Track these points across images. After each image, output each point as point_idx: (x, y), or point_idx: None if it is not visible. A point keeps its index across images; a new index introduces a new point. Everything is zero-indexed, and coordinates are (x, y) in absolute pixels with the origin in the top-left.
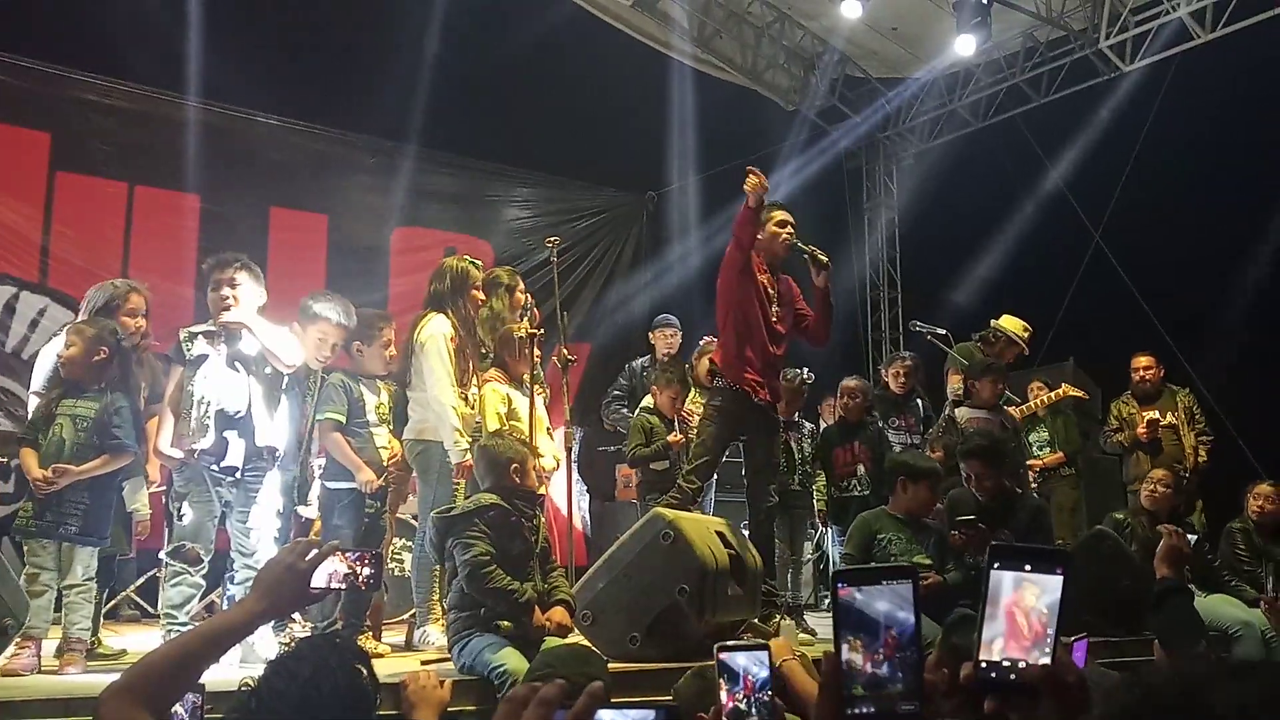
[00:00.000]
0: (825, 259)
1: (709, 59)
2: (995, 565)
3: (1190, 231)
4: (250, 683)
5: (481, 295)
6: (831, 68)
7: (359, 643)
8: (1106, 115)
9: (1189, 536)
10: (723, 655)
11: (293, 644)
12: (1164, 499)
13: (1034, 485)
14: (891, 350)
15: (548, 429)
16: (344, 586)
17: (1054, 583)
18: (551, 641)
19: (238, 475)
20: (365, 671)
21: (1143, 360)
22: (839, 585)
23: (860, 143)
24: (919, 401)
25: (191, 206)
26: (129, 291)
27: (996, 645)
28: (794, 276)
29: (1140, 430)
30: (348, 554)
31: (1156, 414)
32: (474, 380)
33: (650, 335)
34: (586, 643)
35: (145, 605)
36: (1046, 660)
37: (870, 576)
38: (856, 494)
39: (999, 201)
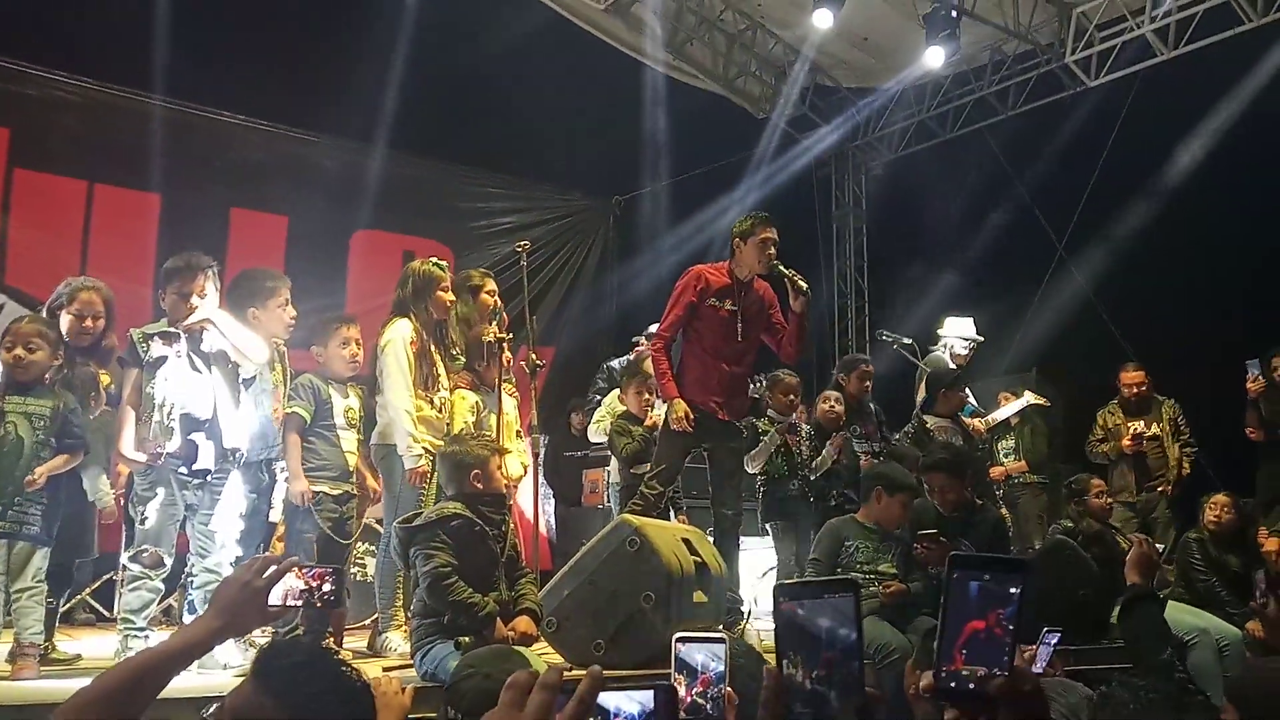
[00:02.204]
0: (804, 285)
1: (681, 65)
2: (955, 575)
3: (1152, 244)
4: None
5: (450, 297)
6: (802, 77)
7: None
8: (1072, 128)
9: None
10: (680, 650)
11: (270, 651)
12: (1111, 509)
13: (1000, 493)
14: None
15: (518, 432)
16: (300, 604)
17: (1013, 592)
18: None
19: (208, 478)
20: (352, 672)
21: (1133, 375)
22: (780, 600)
23: (830, 152)
24: (873, 407)
25: (151, 206)
26: (80, 289)
27: (957, 655)
28: (774, 282)
29: (1125, 442)
30: (305, 570)
31: (1141, 425)
32: (441, 384)
33: (640, 341)
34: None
35: (100, 609)
36: (1005, 669)
37: (813, 591)
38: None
39: (966, 212)
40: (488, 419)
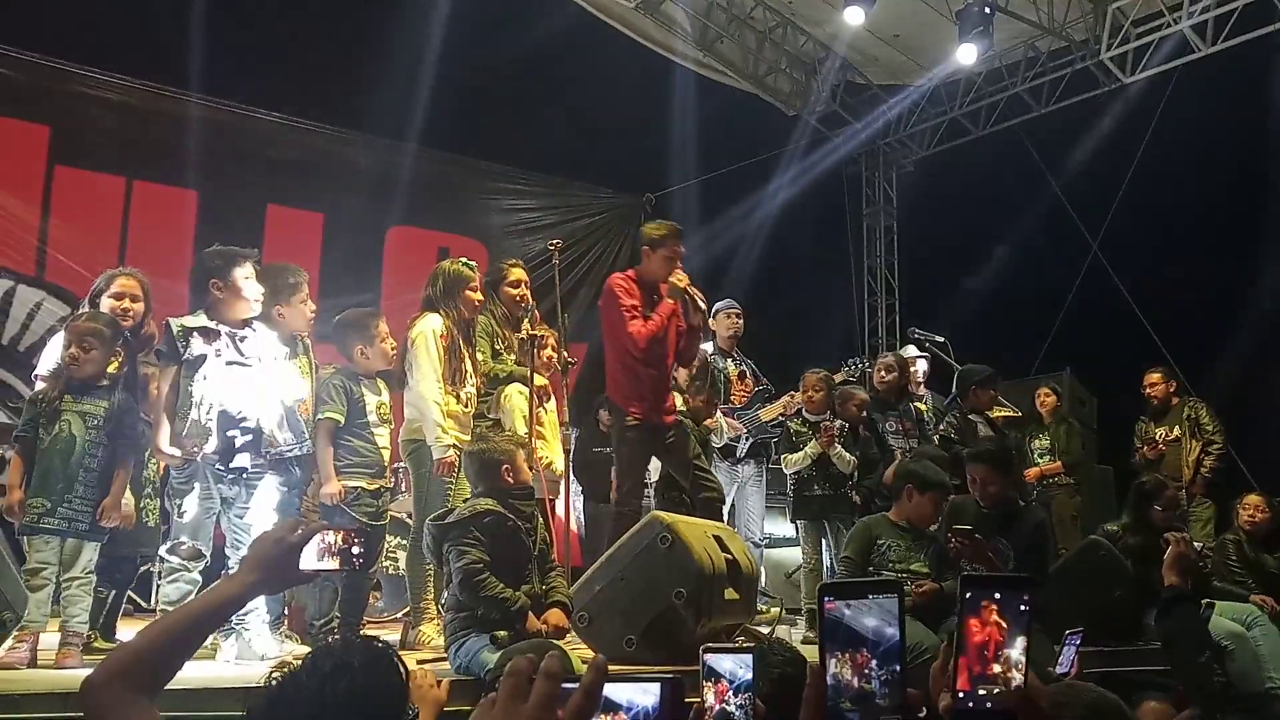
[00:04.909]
0: (704, 307)
1: (711, 63)
2: (967, 595)
3: (1189, 242)
4: (281, 672)
5: (479, 296)
6: (833, 74)
7: None
8: (1107, 126)
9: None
10: (708, 657)
11: (329, 644)
12: (1170, 522)
13: (1033, 493)
14: None
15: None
16: (338, 566)
17: (1024, 610)
18: None
19: (245, 475)
20: (401, 670)
21: (1151, 377)
22: (825, 599)
23: (860, 149)
24: (912, 405)
25: (189, 202)
26: (116, 276)
27: (972, 674)
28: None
29: (1145, 450)
30: (335, 531)
31: (1164, 431)
32: (468, 379)
33: (710, 322)
34: (581, 643)
35: (138, 599)
36: (1019, 687)
37: (857, 591)
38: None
39: (998, 210)
40: (540, 415)
